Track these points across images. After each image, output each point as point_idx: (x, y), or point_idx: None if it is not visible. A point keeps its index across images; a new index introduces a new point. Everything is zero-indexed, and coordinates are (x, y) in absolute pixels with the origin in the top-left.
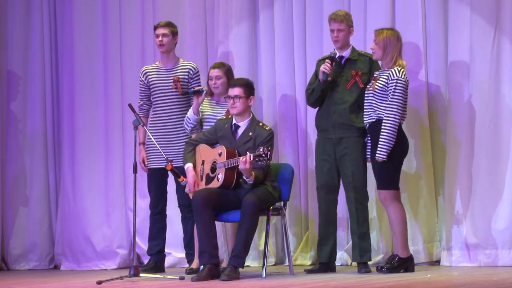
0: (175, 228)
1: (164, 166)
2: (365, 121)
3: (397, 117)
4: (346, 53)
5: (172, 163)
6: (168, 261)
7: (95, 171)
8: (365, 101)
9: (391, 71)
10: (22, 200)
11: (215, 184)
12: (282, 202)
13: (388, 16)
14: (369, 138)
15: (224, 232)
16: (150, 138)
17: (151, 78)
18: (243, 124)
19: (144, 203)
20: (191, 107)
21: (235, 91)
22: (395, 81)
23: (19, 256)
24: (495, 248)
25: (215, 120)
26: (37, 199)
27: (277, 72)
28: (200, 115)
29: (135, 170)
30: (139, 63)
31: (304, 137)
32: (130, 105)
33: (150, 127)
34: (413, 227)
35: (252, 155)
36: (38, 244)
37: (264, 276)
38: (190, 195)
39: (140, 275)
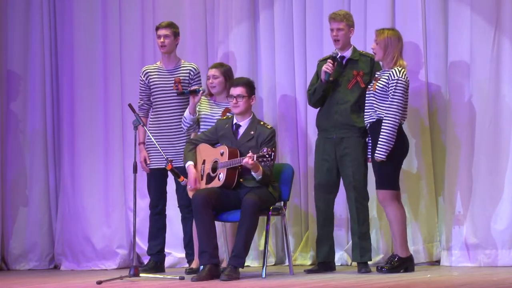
0: (175, 228)
1: (164, 166)
2: (365, 121)
3: (397, 117)
4: (347, 53)
5: (172, 163)
6: (168, 261)
7: (95, 171)
8: (365, 101)
9: (392, 71)
10: (22, 200)
11: (215, 183)
12: (282, 202)
13: (388, 16)
14: (370, 138)
15: (224, 232)
16: (150, 138)
17: (152, 78)
18: (244, 124)
19: (144, 203)
20: (188, 107)
21: (238, 90)
22: (395, 81)
23: (19, 256)
24: (495, 248)
25: (212, 120)
26: (37, 199)
27: (277, 72)
28: (197, 115)
29: (135, 170)
30: (139, 63)
31: (304, 137)
32: (130, 105)
33: (150, 127)
34: (413, 227)
35: (255, 155)
36: (38, 244)
37: (264, 276)
38: (190, 194)
39: (140, 275)
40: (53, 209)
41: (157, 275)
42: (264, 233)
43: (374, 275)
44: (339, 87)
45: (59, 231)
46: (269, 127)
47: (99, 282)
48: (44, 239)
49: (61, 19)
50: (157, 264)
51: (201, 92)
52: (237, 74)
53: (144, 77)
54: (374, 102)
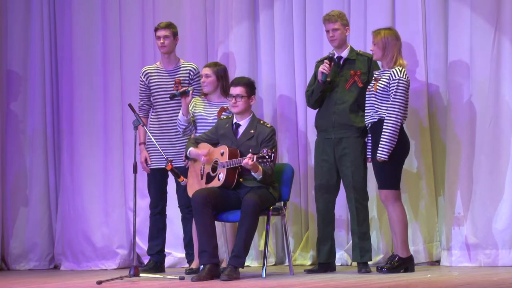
0: (175, 228)
1: (164, 166)
2: (366, 121)
3: (399, 117)
4: (344, 53)
5: (172, 163)
6: (168, 261)
7: (95, 171)
8: (366, 101)
9: (393, 71)
10: (22, 200)
11: (215, 183)
12: (282, 202)
13: (388, 16)
14: (370, 138)
15: (224, 232)
16: (150, 138)
17: (152, 79)
18: (243, 123)
19: (144, 203)
20: (181, 109)
21: (237, 90)
22: (396, 81)
23: (19, 256)
24: (495, 248)
25: (208, 120)
26: (37, 199)
27: (277, 72)
28: (191, 116)
29: (135, 170)
30: (139, 63)
31: (304, 137)
32: (130, 105)
33: (150, 127)
34: (413, 227)
35: (255, 156)
36: (38, 244)
37: (264, 276)
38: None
39: (140, 275)
40: (53, 209)
41: (157, 275)
42: (264, 233)
43: (374, 275)
44: (337, 87)
45: (59, 231)
46: (269, 126)
47: (99, 282)
48: (44, 239)
49: (61, 19)
50: (157, 264)
51: (191, 92)
52: (236, 74)
53: (144, 77)
54: (375, 102)
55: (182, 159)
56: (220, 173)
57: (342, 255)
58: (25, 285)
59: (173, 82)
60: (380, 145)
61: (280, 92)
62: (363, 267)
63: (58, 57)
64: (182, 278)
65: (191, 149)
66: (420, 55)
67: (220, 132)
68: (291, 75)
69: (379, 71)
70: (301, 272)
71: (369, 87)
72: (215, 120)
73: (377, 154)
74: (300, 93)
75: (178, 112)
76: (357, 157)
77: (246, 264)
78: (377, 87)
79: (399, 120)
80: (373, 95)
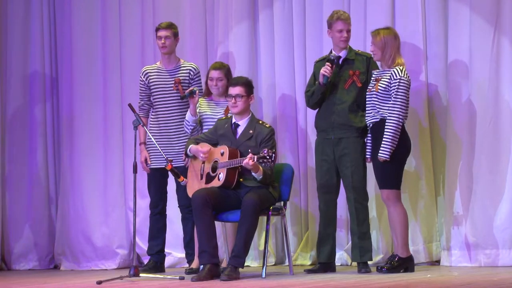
0: (175, 228)
1: (164, 166)
2: (367, 122)
3: (401, 116)
4: (343, 53)
5: (172, 163)
6: (168, 261)
7: (95, 171)
8: (367, 101)
9: (393, 70)
10: (22, 200)
11: (215, 183)
12: (282, 202)
13: (388, 16)
14: (369, 138)
15: (224, 232)
16: (150, 138)
17: (152, 78)
18: (242, 123)
19: (144, 203)
20: (188, 110)
21: (236, 90)
22: (398, 80)
23: (19, 256)
24: (495, 248)
25: (214, 119)
26: (37, 199)
27: (276, 72)
28: (198, 116)
29: (135, 170)
30: (139, 63)
31: (303, 137)
32: (130, 105)
33: (151, 127)
34: (413, 227)
35: (256, 156)
36: (38, 244)
37: (264, 276)
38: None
39: (140, 275)
40: (53, 209)
41: (157, 275)
42: (264, 233)
43: (374, 275)
44: (336, 88)
45: (59, 231)
46: (267, 126)
47: (99, 282)
48: (44, 239)
49: (61, 19)
50: (157, 264)
51: (197, 92)
52: (236, 74)
53: (144, 77)
54: (377, 102)
55: (181, 159)
56: (220, 173)
57: (342, 255)
58: (25, 285)
59: (173, 82)
60: (382, 145)
61: (280, 92)
62: (363, 267)
63: (58, 57)
64: (182, 278)
65: (191, 145)
66: (420, 55)
67: (219, 132)
68: (291, 75)
69: (378, 70)
70: (301, 272)
71: (369, 87)
72: None
73: (379, 154)
74: (300, 93)
75: (178, 112)
76: (357, 157)
77: (246, 264)
78: (379, 87)
79: (401, 120)
80: (374, 95)
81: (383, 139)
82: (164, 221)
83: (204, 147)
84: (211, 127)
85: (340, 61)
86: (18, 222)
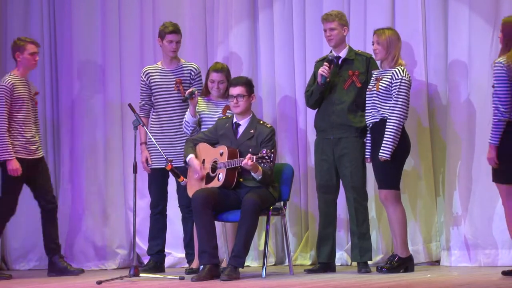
0: (175, 228)
1: (164, 166)
2: (368, 122)
3: (402, 116)
4: (343, 53)
5: (172, 163)
6: (168, 261)
7: (95, 171)
8: (367, 101)
9: (395, 70)
10: (22, 200)
11: (215, 183)
12: (282, 202)
13: (388, 16)
14: (369, 138)
15: (224, 232)
16: (151, 138)
17: (154, 79)
18: (243, 123)
19: (144, 203)
20: (188, 111)
21: (237, 90)
22: (399, 80)
23: (19, 256)
24: (495, 248)
25: (212, 120)
26: None
27: (276, 72)
28: (198, 117)
29: (135, 170)
30: (138, 63)
31: (303, 137)
32: (130, 105)
33: (152, 127)
34: (413, 227)
35: (255, 156)
36: (38, 244)
37: (264, 276)
38: (192, 190)
39: (140, 275)
40: None
41: (157, 275)
42: (264, 233)
43: (374, 275)
44: (335, 88)
45: (59, 231)
46: (268, 126)
47: (99, 282)
48: None
49: (60, 19)
50: (157, 264)
51: (196, 92)
52: (236, 73)
53: (145, 77)
54: (377, 102)
55: (182, 159)
56: (219, 173)
57: (342, 255)
58: (25, 285)
59: (174, 82)
60: (383, 144)
61: (280, 92)
62: (363, 267)
63: (58, 56)
64: (182, 278)
65: (191, 157)
66: (420, 55)
67: (219, 132)
68: (291, 75)
69: (378, 70)
70: (301, 272)
71: (370, 86)
72: None
73: (380, 154)
74: (300, 93)
75: (179, 112)
76: (356, 157)
77: (246, 264)
78: (380, 86)
79: (402, 120)
80: (375, 95)
81: (384, 138)
82: (164, 221)
83: (203, 150)
84: (211, 126)
85: (340, 61)
86: (18, 222)
